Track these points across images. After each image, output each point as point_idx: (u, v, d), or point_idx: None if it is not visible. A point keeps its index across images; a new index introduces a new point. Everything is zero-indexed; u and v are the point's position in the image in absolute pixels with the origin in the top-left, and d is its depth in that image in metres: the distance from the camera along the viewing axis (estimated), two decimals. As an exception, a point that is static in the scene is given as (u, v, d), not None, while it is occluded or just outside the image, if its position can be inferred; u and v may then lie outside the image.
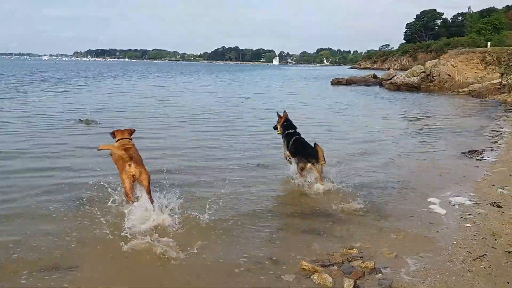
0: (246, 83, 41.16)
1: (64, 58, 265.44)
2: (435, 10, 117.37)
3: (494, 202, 5.71)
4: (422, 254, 4.33)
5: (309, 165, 6.12)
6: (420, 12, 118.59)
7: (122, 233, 4.53)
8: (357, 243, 4.65)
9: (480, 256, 4.18)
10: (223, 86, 35.65)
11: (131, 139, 5.54)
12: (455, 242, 4.58)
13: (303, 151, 6.29)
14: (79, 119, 12.15)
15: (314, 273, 4.00)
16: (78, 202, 5.58)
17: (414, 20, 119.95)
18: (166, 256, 4.16)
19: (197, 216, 5.05)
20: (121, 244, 4.33)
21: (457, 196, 6.16)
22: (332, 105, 20.42)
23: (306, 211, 5.61)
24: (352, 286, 3.77)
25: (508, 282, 3.68)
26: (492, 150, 9.54)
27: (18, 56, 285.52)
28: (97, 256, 4.25)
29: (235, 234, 4.81)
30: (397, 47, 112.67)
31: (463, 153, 9.08)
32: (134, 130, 5.81)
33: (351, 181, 6.78)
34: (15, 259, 4.07)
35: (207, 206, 5.10)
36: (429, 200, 6.05)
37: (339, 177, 6.65)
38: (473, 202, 5.84)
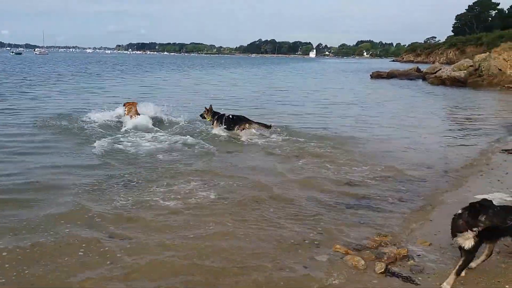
0: (280, 76, 41.10)
1: (106, 51, 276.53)
2: (491, 0, 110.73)
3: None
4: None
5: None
6: (473, 3, 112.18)
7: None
8: (392, 231, 4.74)
9: (516, 249, 4.16)
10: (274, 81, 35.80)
11: None
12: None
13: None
14: None
15: (346, 255, 4.16)
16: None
17: (465, 11, 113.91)
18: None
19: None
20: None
21: (498, 191, 6.05)
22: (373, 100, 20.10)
23: (347, 200, 5.75)
24: (383, 270, 3.89)
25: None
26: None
27: (65, 49, 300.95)
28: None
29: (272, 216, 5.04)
30: (444, 40, 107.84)
31: (505, 149, 8.79)
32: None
33: (393, 173, 6.84)
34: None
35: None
36: (471, 194, 5.99)
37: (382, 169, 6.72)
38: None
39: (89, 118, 10.62)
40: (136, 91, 20.88)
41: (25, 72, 34.44)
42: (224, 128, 9.86)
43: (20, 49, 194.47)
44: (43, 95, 17.62)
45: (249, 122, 9.90)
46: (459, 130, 11.88)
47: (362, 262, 4.03)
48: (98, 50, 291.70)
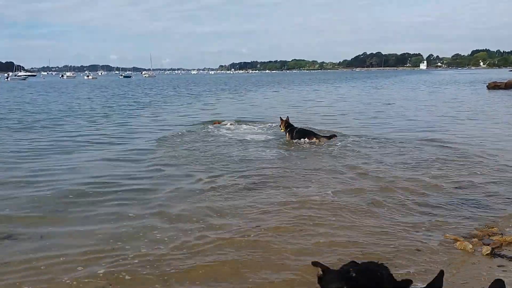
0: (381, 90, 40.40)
1: (210, 72, 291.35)
2: None
3: None
4: None
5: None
6: None
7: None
8: (500, 225, 5.37)
9: None
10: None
11: None
12: None
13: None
14: None
15: (456, 242, 4.96)
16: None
17: None
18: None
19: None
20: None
21: None
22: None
23: (459, 199, 6.45)
24: (489, 252, 4.63)
25: None
26: None
27: (170, 71, 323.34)
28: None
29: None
30: None
31: None
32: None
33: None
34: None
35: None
36: None
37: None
38: None
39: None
40: (246, 109, 23.12)
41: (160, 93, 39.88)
42: (295, 139, 11.18)
43: (128, 72, 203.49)
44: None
45: (316, 135, 11.19)
46: None
47: (470, 246, 4.79)
48: (202, 71, 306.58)
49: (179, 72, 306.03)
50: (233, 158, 9.37)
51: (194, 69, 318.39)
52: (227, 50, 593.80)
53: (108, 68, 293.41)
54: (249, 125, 14.94)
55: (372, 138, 11.67)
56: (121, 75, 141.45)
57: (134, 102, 28.82)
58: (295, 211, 5.90)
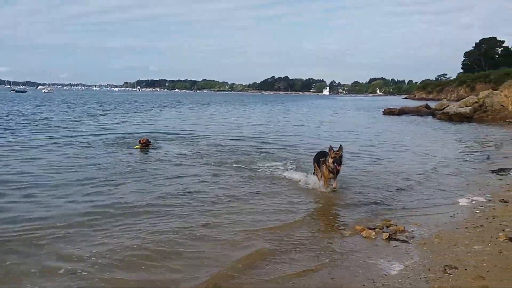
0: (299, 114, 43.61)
1: (114, 89, 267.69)
2: (496, 38, 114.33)
3: (503, 199, 7.58)
4: (439, 225, 6.40)
5: None
6: (480, 40, 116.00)
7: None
8: (396, 219, 6.79)
9: (479, 225, 6.18)
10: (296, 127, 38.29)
11: None
12: (464, 219, 6.59)
13: None
14: None
15: (363, 231, 6.22)
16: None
17: (473, 48, 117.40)
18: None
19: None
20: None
21: (476, 196, 8.07)
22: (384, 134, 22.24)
23: (365, 200, 7.84)
24: (387, 237, 5.94)
25: (491, 236, 5.68)
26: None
27: (69, 86, 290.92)
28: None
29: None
30: (455, 77, 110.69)
31: (492, 170, 10.77)
32: None
33: (394, 184, 8.93)
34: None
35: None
36: (456, 198, 8.04)
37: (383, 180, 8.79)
38: (486, 200, 7.74)
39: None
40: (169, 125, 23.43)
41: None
42: None
43: (21, 86, 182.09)
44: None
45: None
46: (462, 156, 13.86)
47: (373, 233, 6.09)
48: (104, 88, 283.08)
49: (79, 87, 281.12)
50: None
51: (96, 85, 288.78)
52: (133, 66, 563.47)
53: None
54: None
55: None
56: (13, 90, 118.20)
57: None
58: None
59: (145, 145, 13.36)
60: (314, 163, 9.12)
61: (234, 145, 15.18)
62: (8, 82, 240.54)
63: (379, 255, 5.29)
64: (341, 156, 8.18)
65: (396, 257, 5.20)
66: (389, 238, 5.93)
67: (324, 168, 8.41)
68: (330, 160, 8.16)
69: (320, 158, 8.72)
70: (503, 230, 5.91)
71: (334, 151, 8.21)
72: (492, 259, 4.93)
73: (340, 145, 8.39)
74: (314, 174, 9.14)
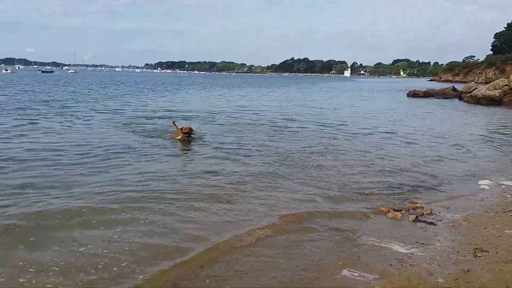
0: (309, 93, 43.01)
1: (136, 70, 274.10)
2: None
3: (535, 184, 7.34)
4: (468, 208, 6.27)
5: None
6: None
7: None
8: (423, 201, 6.68)
9: (510, 210, 6.01)
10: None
11: None
12: (494, 203, 6.42)
13: None
14: None
15: (388, 213, 6.15)
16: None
17: (504, 29, 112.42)
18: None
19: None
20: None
21: (507, 180, 7.84)
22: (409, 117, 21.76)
23: (394, 184, 7.74)
24: (414, 219, 5.86)
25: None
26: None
27: (93, 68, 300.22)
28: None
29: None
30: (483, 59, 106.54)
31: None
32: None
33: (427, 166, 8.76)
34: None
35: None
36: (486, 182, 7.85)
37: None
38: (517, 184, 7.52)
39: None
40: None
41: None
42: None
43: (47, 67, 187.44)
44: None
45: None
46: (487, 140, 13.46)
47: (399, 215, 6.01)
48: (127, 69, 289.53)
49: (102, 68, 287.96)
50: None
51: (118, 66, 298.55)
52: (153, 48, 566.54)
53: (25, 62, 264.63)
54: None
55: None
56: (39, 70, 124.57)
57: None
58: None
59: (188, 135, 11.26)
60: None
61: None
62: (35, 63, 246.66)
63: (405, 236, 5.23)
64: None
65: (423, 238, 5.13)
66: (416, 220, 5.85)
67: None
68: None
69: None
70: (536, 215, 5.75)
71: None
72: (525, 243, 4.81)
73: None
74: None
